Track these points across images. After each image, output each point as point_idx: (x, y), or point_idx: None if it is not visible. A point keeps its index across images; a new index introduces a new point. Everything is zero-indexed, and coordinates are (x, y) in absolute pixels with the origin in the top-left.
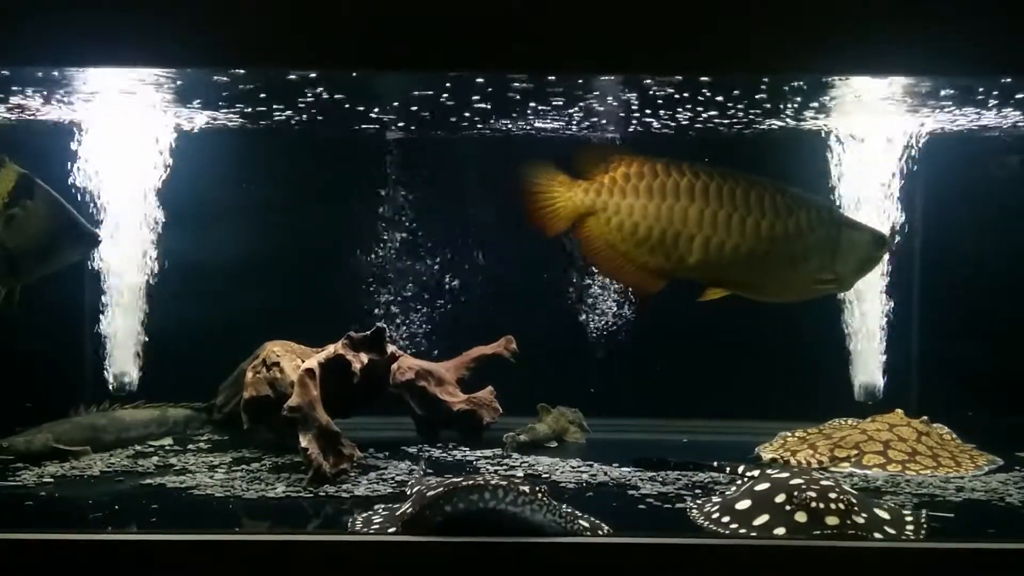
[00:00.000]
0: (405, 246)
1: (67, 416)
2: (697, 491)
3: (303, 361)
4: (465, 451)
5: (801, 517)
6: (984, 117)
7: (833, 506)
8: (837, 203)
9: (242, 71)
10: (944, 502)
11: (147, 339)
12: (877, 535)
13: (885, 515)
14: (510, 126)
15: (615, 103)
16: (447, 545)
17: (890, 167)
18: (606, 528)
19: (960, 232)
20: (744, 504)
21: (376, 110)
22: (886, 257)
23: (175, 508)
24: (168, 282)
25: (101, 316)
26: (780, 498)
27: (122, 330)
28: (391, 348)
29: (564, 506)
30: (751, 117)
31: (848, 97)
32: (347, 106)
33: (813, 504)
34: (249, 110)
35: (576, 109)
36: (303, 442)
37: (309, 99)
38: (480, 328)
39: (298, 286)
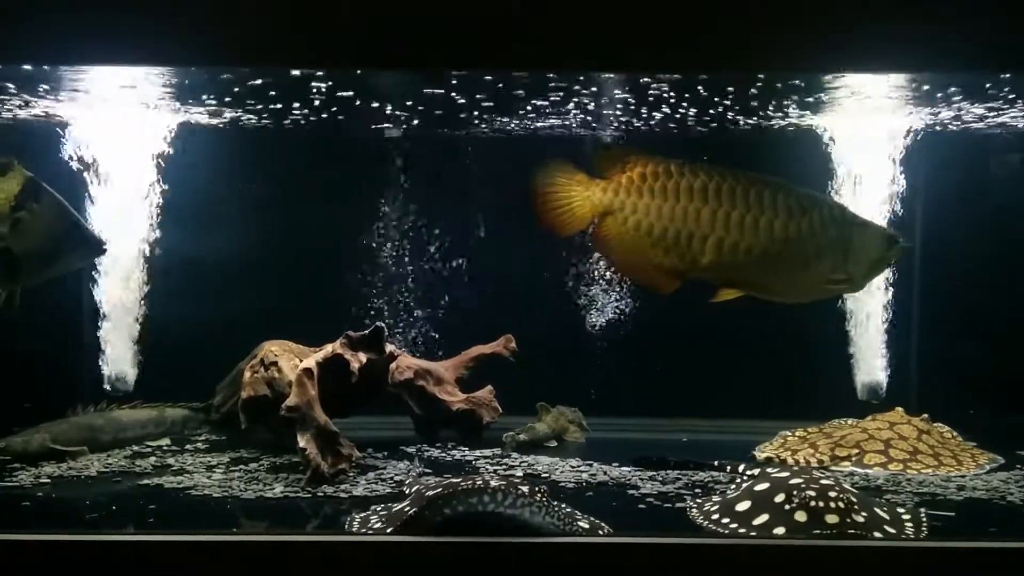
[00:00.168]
0: (404, 245)
1: (64, 416)
2: (697, 491)
3: (301, 361)
4: (464, 451)
5: (801, 516)
6: (984, 114)
7: (833, 505)
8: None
9: (241, 70)
10: (945, 501)
11: (146, 339)
12: (877, 534)
13: (885, 514)
14: (512, 125)
15: (617, 101)
16: (446, 545)
17: (889, 166)
18: (606, 528)
19: (960, 231)
20: (744, 504)
21: (375, 106)
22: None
23: (173, 508)
24: (166, 282)
25: (99, 316)
26: (780, 497)
27: (120, 330)
28: (389, 347)
29: (563, 507)
30: (755, 116)
31: (848, 96)
32: (347, 105)
33: (813, 503)
34: (248, 109)
35: (574, 107)
36: (301, 442)
37: (307, 98)
38: (479, 327)
39: (296, 286)
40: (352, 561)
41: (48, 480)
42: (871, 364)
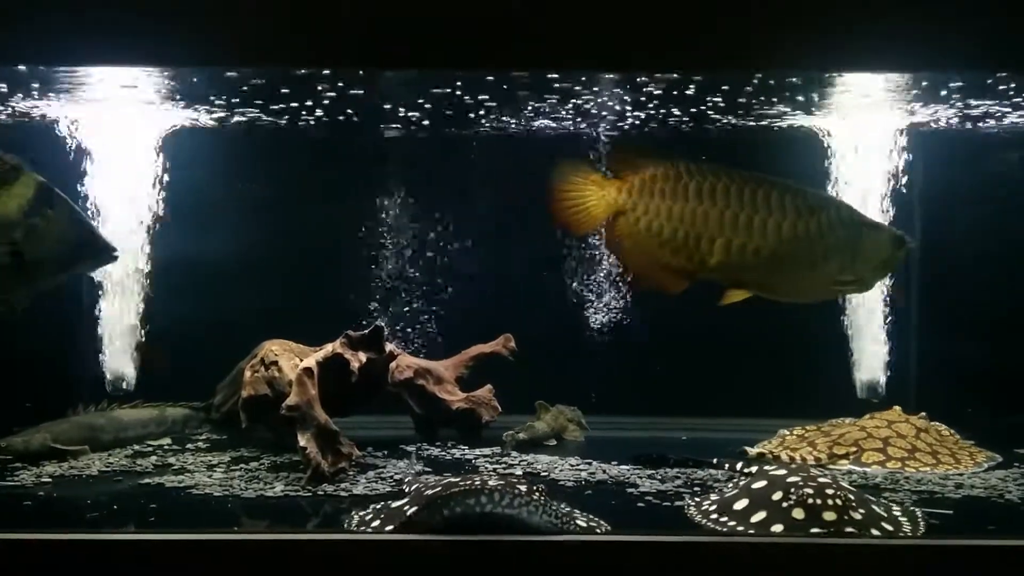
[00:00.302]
0: (404, 245)
1: (65, 416)
2: (696, 489)
3: (301, 360)
4: (464, 449)
5: (799, 514)
6: (984, 111)
7: (830, 502)
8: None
9: (242, 70)
10: (943, 499)
11: (145, 338)
12: (875, 531)
13: (882, 512)
14: (511, 124)
15: (619, 100)
16: (446, 544)
17: (889, 165)
18: (604, 527)
19: (959, 229)
20: (742, 502)
21: (373, 105)
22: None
23: (173, 508)
24: (166, 281)
25: (99, 316)
26: (777, 495)
27: (120, 329)
28: (389, 347)
29: (562, 506)
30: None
31: (848, 95)
32: (347, 103)
33: (810, 501)
34: (248, 109)
35: (572, 106)
36: (301, 441)
37: (307, 99)
38: (479, 326)
39: (296, 285)
40: (352, 560)
41: (49, 479)
42: (870, 363)
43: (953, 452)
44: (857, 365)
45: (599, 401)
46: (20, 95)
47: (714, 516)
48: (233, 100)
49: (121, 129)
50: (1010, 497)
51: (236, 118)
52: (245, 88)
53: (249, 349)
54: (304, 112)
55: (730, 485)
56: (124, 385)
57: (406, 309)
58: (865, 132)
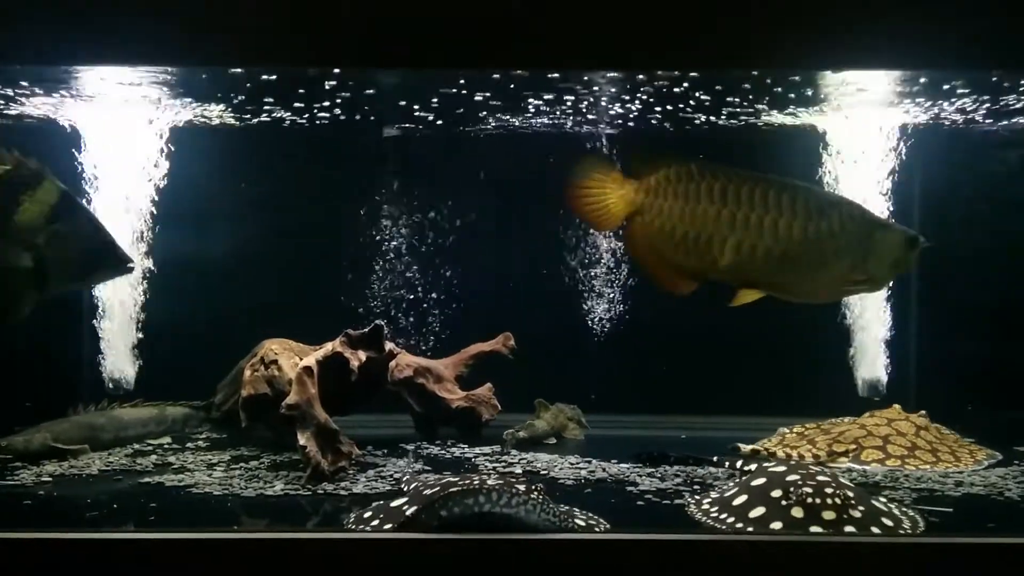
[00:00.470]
0: (404, 244)
1: (65, 415)
2: (695, 487)
3: (301, 359)
4: (464, 448)
5: (798, 512)
6: (983, 111)
7: (830, 501)
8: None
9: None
10: (943, 497)
11: (145, 338)
12: (875, 529)
13: (882, 510)
14: (512, 123)
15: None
16: (446, 543)
17: (887, 163)
18: (603, 525)
19: (960, 228)
20: (741, 499)
21: (377, 103)
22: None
23: (173, 506)
24: (166, 280)
25: (99, 315)
26: (777, 493)
27: (120, 329)
28: (389, 345)
29: (561, 506)
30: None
31: (849, 93)
32: (346, 102)
33: (809, 500)
34: (247, 107)
35: (571, 106)
36: (301, 440)
37: (307, 98)
38: (479, 325)
39: (296, 284)
40: (352, 559)
41: (49, 479)
42: (871, 361)
43: (953, 450)
44: (857, 363)
45: (599, 399)
46: (26, 94)
47: (713, 513)
48: (232, 98)
49: (120, 128)
50: (1010, 495)
51: (233, 118)
52: (249, 85)
53: (249, 348)
54: (304, 110)
55: (730, 484)
56: (124, 384)
57: (406, 308)
58: (864, 131)
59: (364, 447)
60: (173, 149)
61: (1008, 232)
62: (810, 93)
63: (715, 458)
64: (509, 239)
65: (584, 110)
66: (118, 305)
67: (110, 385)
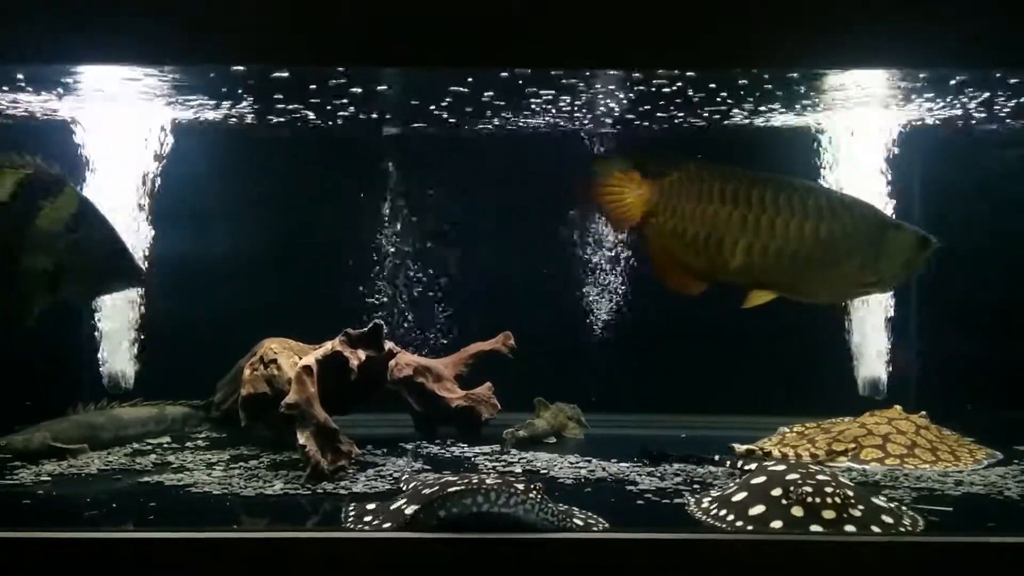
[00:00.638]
0: (404, 243)
1: (65, 414)
2: (695, 486)
3: (300, 358)
4: (463, 447)
5: (798, 511)
6: (983, 110)
7: (830, 500)
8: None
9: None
10: (943, 496)
11: (145, 337)
12: (875, 528)
13: (882, 509)
14: (512, 123)
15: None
16: (446, 542)
17: (888, 162)
18: (603, 524)
19: (960, 227)
20: (740, 494)
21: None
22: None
23: (173, 506)
24: (166, 280)
25: (99, 314)
26: (776, 491)
27: (120, 329)
28: (389, 344)
29: (560, 505)
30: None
31: (849, 92)
32: (345, 100)
33: (809, 499)
34: (247, 107)
35: (570, 105)
36: (301, 439)
37: (307, 97)
38: (478, 324)
39: (296, 283)
40: (352, 558)
41: (49, 478)
42: (871, 360)
43: (953, 449)
44: (858, 362)
45: (599, 399)
46: (25, 91)
47: (713, 511)
48: (232, 97)
49: (119, 126)
50: (1009, 494)
51: (233, 117)
52: (251, 82)
53: (248, 347)
54: (303, 110)
55: (730, 483)
56: (123, 384)
57: (406, 307)
58: (862, 129)
59: (364, 446)
60: (172, 148)
61: (1008, 232)
62: (809, 93)
63: (716, 457)
64: (509, 238)
65: (595, 110)
66: (118, 304)
67: (109, 384)
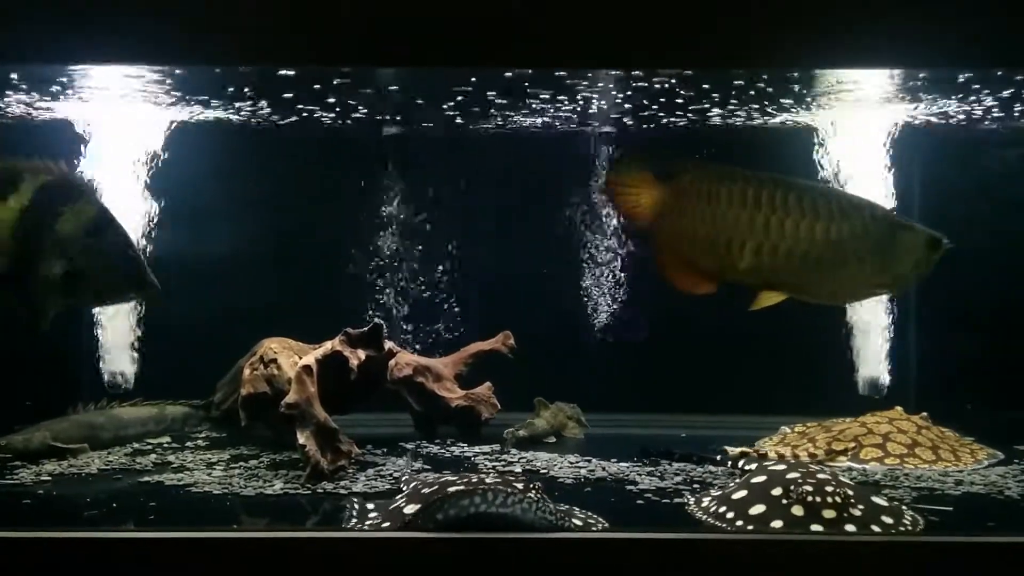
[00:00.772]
0: (403, 243)
1: (65, 414)
2: (695, 486)
3: (300, 358)
4: (463, 447)
5: (798, 511)
6: (984, 109)
7: (830, 499)
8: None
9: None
10: (943, 495)
11: (145, 337)
12: (875, 527)
13: (882, 508)
14: (512, 123)
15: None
16: (446, 542)
17: (888, 161)
18: (602, 523)
19: (960, 226)
20: (740, 492)
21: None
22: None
23: (173, 505)
24: (165, 279)
25: (99, 314)
26: (777, 491)
27: (120, 328)
28: (388, 344)
29: (560, 504)
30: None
31: (849, 91)
32: (348, 101)
33: (810, 498)
34: (248, 106)
35: (571, 104)
36: (301, 439)
37: (306, 98)
38: (478, 323)
39: (296, 283)
40: (352, 558)
41: (49, 478)
42: (873, 359)
43: (954, 449)
44: (858, 362)
45: (599, 398)
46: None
47: (713, 508)
48: (232, 97)
49: (119, 125)
50: (1010, 494)
51: (233, 116)
52: (250, 84)
53: (248, 347)
54: (304, 109)
55: (730, 482)
56: (124, 383)
57: (405, 306)
58: (861, 128)
59: (363, 446)
60: (173, 147)
61: (1008, 232)
62: (808, 92)
63: (718, 456)
64: (509, 237)
65: (597, 110)
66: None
67: (109, 384)
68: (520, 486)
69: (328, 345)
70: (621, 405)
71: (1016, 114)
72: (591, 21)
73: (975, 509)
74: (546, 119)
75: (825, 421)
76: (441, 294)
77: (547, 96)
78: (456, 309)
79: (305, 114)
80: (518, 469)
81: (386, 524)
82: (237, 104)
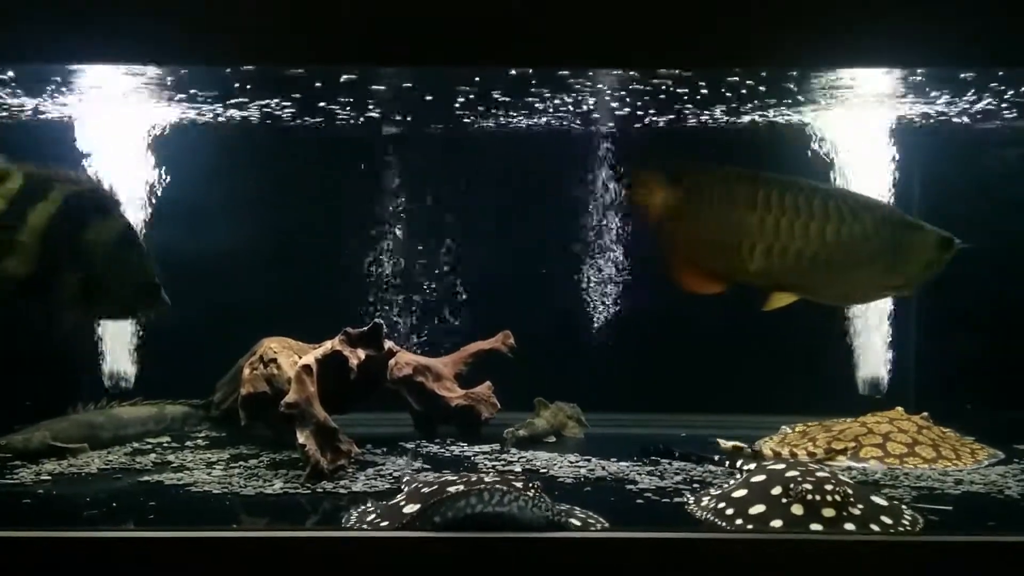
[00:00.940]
0: (403, 242)
1: (65, 414)
2: (694, 485)
3: (300, 357)
4: (463, 446)
5: (798, 510)
6: (983, 108)
7: (829, 498)
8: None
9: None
10: (943, 495)
11: (144, 336)
12: (874, 527)
13: (881, 507)
14: (511, 122)
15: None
16: (446, 542)
17: (888, 161)
18: (601, 523)
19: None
20: (740, 491)
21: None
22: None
23: (173, 505)
24: (165, 279)
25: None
26: (776, 490)
27: (120, 327)
28: (388, 344)
29: (560, 504)
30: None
31: (846, 91)
32: (342, 98)
33: (809, 496)
34: (251, 106)
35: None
36: (300, 438)
37: (307, 97)
38: (478, 323)
39: (296, 282)
40: (352, 558)
41: (49, 477)
42: (873, 359)
43: (955, 448)
44: (858, 361)
45: (599, 398)
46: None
47: (712, 506)
48: (232, 96)
49: (117, 125)
50: (1010, 493)
51: (233, 116)
52: (250, 83)
53: (248, 346)
54: (304, 110)
55: (730, 482)
56: (123, 383)
57: (405, 305)
58: (860, 127)
59: (363, 445)
60: (172, 147)
61: (1008, 232)
62: (807, 91)
63: (717, 456)
64: (509, 237)
65: (600, 110)
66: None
67: (109, 383)
68: (519, 485)
69: (328, 345)
70: (621, 405)
71: (1016, 114)
72: (591, 21)
73: (975, 509)
74: (547, 119)
75: (825, 421)
76: (441, 294)
77: (548, 95)
78: (456, 309)
79: (306, 114)
80: (518, 469)
81: (384, 524)
82: (237, 103)
